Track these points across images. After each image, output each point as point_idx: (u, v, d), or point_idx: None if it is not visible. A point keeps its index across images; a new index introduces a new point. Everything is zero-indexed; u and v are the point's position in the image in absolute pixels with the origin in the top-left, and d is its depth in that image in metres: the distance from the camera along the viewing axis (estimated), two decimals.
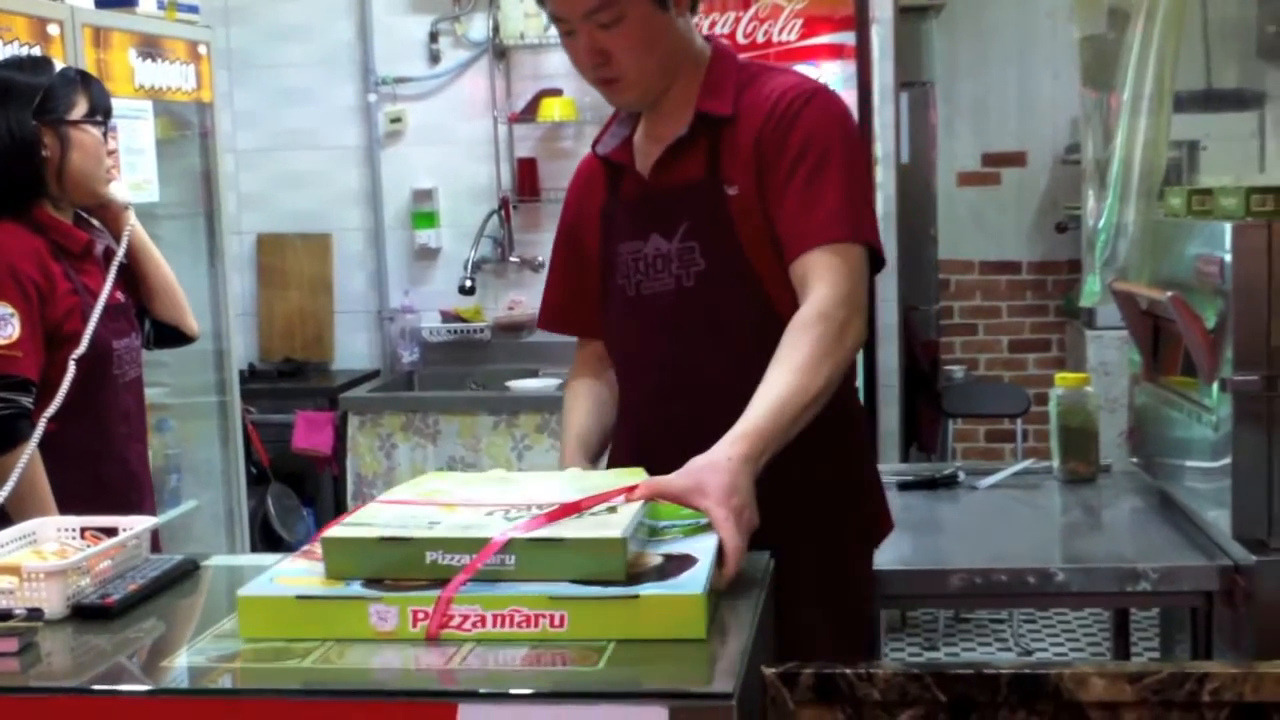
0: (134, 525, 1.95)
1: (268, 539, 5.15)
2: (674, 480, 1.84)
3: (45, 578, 1.74)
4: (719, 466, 1.85)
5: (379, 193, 5.71)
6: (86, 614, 1.75)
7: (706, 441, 1.96)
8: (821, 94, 2.21)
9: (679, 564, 1.66)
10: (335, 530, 1.73)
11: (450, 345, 5.63)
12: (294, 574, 1.73)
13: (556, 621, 1.58)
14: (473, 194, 5.61)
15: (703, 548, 1.72)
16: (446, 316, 5.63)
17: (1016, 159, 6.51)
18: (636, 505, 1.76)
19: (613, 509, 1.75)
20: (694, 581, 1.59)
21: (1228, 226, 2.61)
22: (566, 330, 2.50)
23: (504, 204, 5.52)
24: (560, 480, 1.93)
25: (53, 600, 1.74)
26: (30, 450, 2.54)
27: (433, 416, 4.98)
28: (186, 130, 4.55)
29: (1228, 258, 2.60)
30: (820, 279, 2.08)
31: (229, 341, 4.61)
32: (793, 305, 2.13)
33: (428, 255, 5.69)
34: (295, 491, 5.37)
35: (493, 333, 5.59)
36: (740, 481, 1.84)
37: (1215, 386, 2.66)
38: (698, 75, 2.26)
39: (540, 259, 5.47)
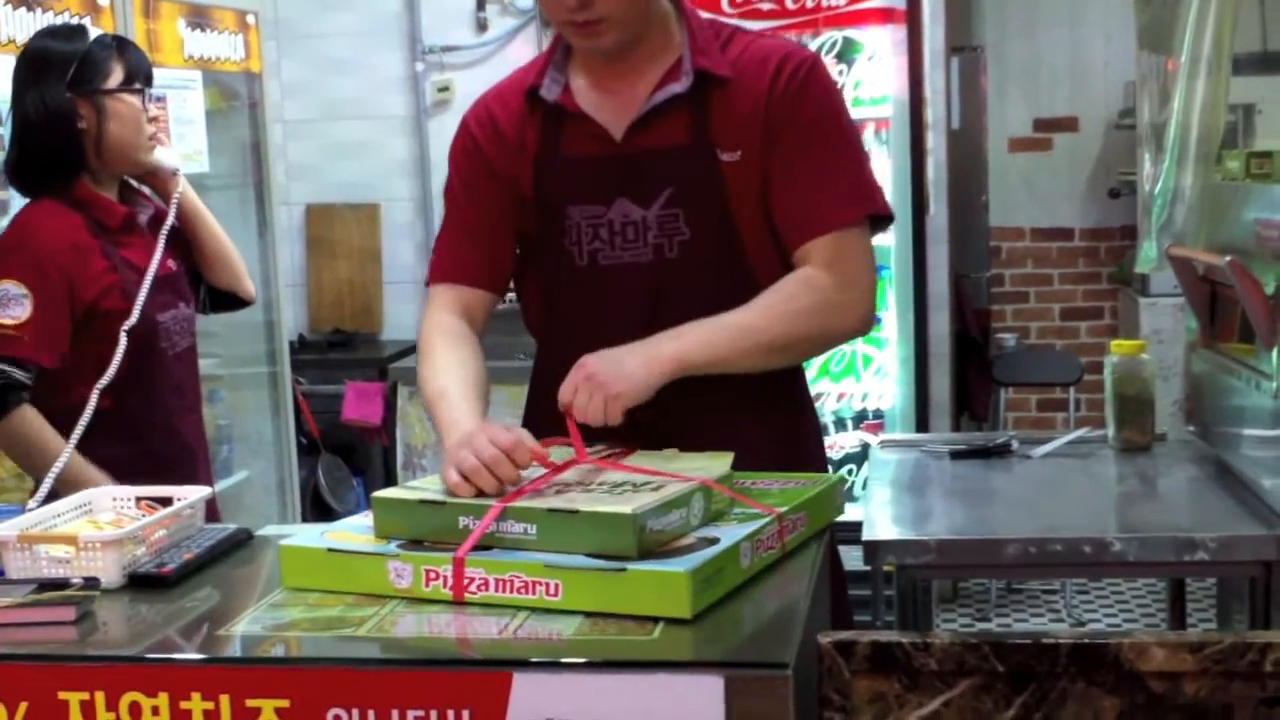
0: (189, 495, 1.95)
1: (318, 509, 5.18)
2: None
3: (101, 547, 1.75)
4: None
5: (427, 162, 5.71)
6: (143, 583, 1.76)
7: (675, 422, 2.00)
8: (820, 64, 2.19)
9: (701, 545, 1.66)
10: (384, 491, 1.79)
11: (498, 315, 5.59)
12: (346, 529, 1.79)
13: (551, 590, 1.59)
14: None
15: (734, 533, 1.70)
16: None
17: (1068, 124, 6.44)
18: (685, 486, 1.75)
19: (659, 487, 1.75)
20: (685, 562, 1.58)
21: None
22: (463, 281, 2.24)
23: None
24: (654, 460, 1.92)
25: (109, 569, 1.75)
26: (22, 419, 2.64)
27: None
28: (235, 101, 4.55)
29: None
30: (818, 261, 2.10)
31: (279, 312, 4.62)
32: (774, 278, 2.14)
33: None
34: (345, 462, 5.40)
35: None
36: (621, 354, 1.99)
37: (1275, 353, 2.62)
38: (666, 27, 2.17)
39: None
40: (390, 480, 5.16)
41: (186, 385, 2.95)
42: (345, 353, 5.65)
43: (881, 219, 2.20)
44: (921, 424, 4.79)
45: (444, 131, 5.64)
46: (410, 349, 5.51)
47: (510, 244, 2.26)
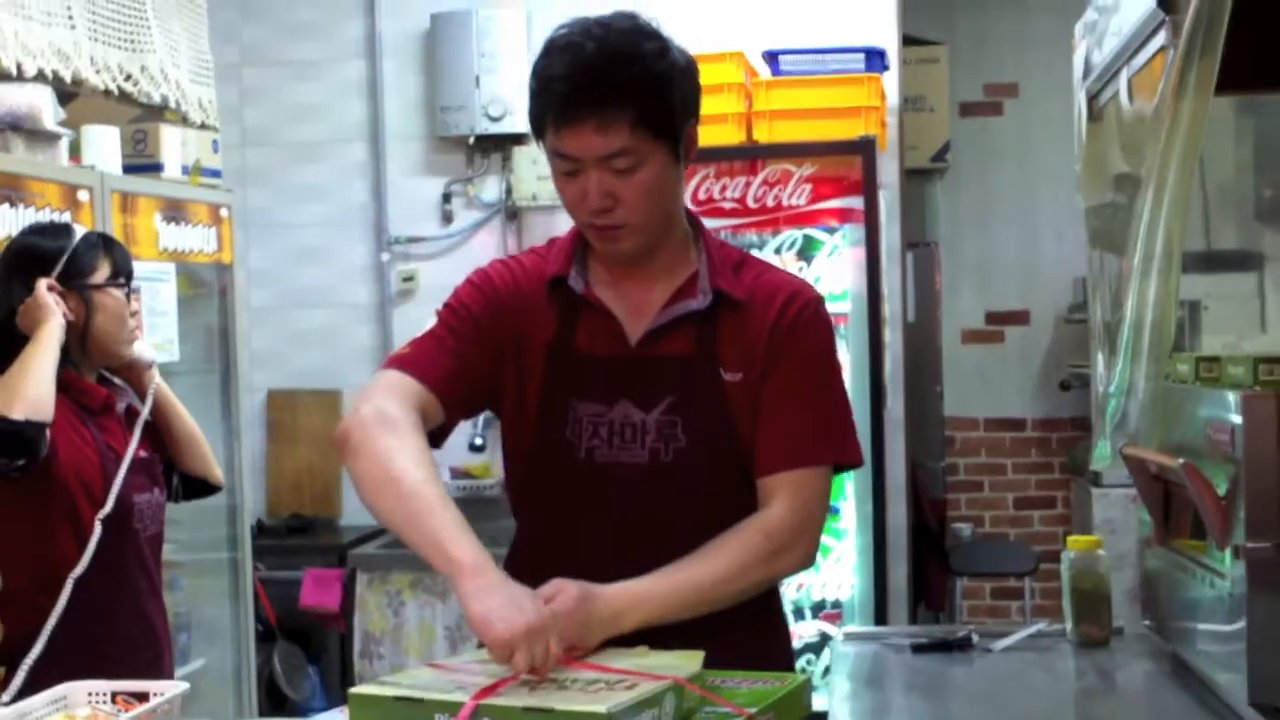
0: (164, 690, 1.96)
1: (273, 698, 5.10)
2: None
3: None
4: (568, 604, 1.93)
5: (390, 350, 5.75)
6: None
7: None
8: (823, 305, 2.28)
9: None
10: (361, 688, 1.80)
11: (461, 503, 5.51)
12: None
13: None
14: None
15: None
16: (456, 474, 5.64)
17: (1020, 317, 6.59)
18: (658, 685, 1.77)
19: (632, 685, 1.77)
20: None
21: (1236, 395, 2.65)
22: (433, 386, 2.18)
23: None
24: (626, 658, 1.94)
25: None
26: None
27: (442, 575, 4.94)
28: (203, 289, 4.60)
29: (1238, 422, 2.63)
30: (780, 500, 2.14)
31: (242, 497, 4.62)
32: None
33: None
34: (301, 649, 5.33)
35: (503, 490, 5.58)
36: (591, 611, 1.95)
37: (1228, 552, 2.67)
38: (684, 244, 2.23)
39: None
40: (346, 668, 5.11)
41: (154, 569, 2.98)
42: (304, 539, 5.61)
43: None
44: (880, 614, 4.80)
45: (407, 320, 5.73)
46: (371, 535, 5.48)
47: (478, 402, 2.27)
